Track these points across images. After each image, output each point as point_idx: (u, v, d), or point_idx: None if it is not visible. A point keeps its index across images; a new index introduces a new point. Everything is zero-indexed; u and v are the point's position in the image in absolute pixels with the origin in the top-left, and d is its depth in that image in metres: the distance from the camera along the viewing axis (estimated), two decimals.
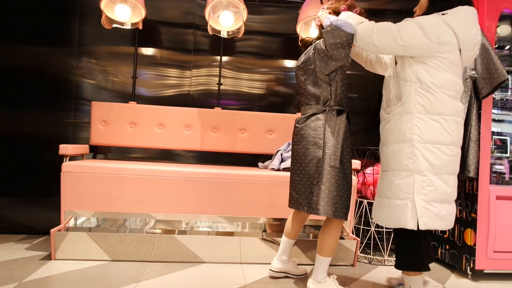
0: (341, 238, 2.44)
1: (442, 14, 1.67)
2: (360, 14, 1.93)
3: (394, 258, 2.53)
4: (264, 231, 2.48)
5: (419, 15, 1.78)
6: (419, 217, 1.63)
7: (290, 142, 2.67)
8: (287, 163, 2.55)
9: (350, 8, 1.92)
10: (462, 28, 1.63)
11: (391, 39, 1.67)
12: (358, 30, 1.76)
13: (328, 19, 1.84)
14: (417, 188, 1.65)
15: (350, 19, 1.81)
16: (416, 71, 1.68)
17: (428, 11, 1.75)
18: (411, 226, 1.64)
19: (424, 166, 1.64)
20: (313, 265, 2.34)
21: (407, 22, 1.69)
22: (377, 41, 1.70)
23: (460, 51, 1.67)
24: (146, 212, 2.33)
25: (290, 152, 2.53)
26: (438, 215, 1.65)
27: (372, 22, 1.76)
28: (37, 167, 2.81)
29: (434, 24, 1.63)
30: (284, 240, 2.08)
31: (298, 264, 2.20)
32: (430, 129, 1.65)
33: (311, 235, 2.51)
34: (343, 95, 1.89)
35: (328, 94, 1.86)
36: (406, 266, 1.77)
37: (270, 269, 2.11)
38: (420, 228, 1.64)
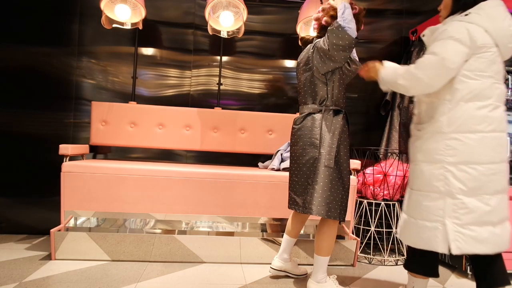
0: (341, 238, 2.44)
1: (465, 15, 1.55)
2: (359, 13, 1.92)
3: (394, 258, 2.53)
4: (264, 231, 2.48)
5: (445, 15, 1.66)
6: (451, 241, 1.49)
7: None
8: (287, 163, 2.55)
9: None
10: (491, 23, 1.51)
11: (438, 70, 1.51)
12: (398, 77, 1.63)
13: (344, 6, 1.78)
14: (448, 211, 1.51)
15: (347, 13, 1.77)
16: (450, 86, 1.54)
17: (453, 10, 1.62)
18: (442, 250, 1.51)
19: (457, 189, 1.50)
20: (312, 265, 2.34)
21: (440, 46, 1.53)
22: (427, 79, 1.54)
23: (497, 46, 1.52)
24: (146, 212, 2.33)
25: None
26: (477, 238, 1.48)
27: (404, 68, 1.65)
28: (37, 167, 2.82)
29: (461, 32, 1.50)
30: (285, 238, 2.07)
31: (299, 264, 2.20)
32: (464, 149, 1.50)
33: (311, 235, 2.51)
34: (340, 95, 1.88)
35: (324, 94, 1.86)
36: (415, 269, 1.69)
37: (270, 267, 2.10)
38: (454, 253, 1.49)
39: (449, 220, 1.51)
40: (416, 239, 1.60)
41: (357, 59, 1.98)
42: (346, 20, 1.77)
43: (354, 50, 1.98)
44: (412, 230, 1.62)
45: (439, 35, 1.56)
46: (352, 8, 1.87)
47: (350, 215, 2.46)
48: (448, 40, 1.51)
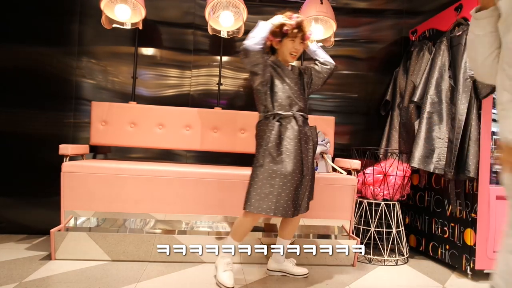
0: (342, 238, 2.44)
1: None
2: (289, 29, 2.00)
3: (394, 258, 2.53)
4: (264, 231, 2.47)
5: None
6: None
7: None
8: None
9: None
10: None
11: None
12: None
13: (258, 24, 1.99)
14: None
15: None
16: None
17: None
18: None
19: None
20: (312, 265, 2.34)
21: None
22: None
23: None
24: (146, 212, 2.33)
25: None
26: None
27: None
28: (37, 167, 2.81)
29: None
30: (278, 239, 2.15)
31: (297, 265, 2.20)
32: None
33: (311, 235, 2.51)
34: (269, 103, 2.01)
35: (260, 104, 2.05)
36: None
37: (267, 269, 2.15)
38: None
39: None
40: None
41: (327, 60, 2.16)
42: (250, 35, 1.93)
43: (323, 52, 2.18)
44: None
45: None
46: (284, 27, 1.99)
47: (350, 215, 2.46)
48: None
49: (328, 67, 2.15)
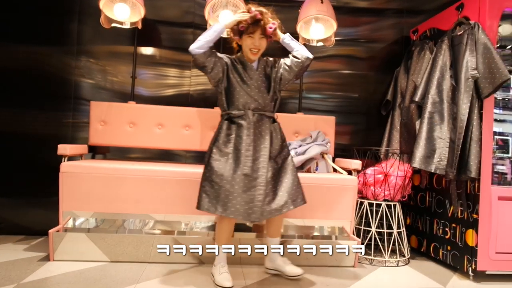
0: (342, 239, 2.43)
1: None
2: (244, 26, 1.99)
3: (395, 259, 2.52)
4: (264, 231, 2.45)
5: None
6: None
7: (291, 142, 2.65)
8: None
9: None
10: None
11: None
12: None
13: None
14: None
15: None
16: None
17: None
18: None
19: None
20: (312, 266, 2.33)
21: None
22: None
23: None
24: (145, 213, 2.32)
25: (291, 152, 2.52)
26: None
27: None
28: (36, 167, 2.80)
29: None
30: (266, 239, 2.18)
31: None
32: None
33: (311, 235, 2.49)
34: (223, 103, 2.07)
35: (219, 103, 2.12)
36: None
37: (265, 267, 2.20)
38: None
39: None
40: None
41: (299, 53, 2.09)
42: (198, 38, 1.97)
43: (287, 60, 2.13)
44: None
45: None
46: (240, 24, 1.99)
47: (350, 216, 2.45)
48: None
49: (299, 60, 2.07)
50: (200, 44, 1.94)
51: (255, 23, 1.97)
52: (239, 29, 1.99)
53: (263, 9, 2.01)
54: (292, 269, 2.11)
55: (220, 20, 2.70)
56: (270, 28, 2.00)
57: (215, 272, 1.99)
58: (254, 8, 1.98)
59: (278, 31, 2.09)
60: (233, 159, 1.94)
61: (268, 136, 2.01)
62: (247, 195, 1.90)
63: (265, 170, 1.93)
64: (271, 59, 2.16)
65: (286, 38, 2.12)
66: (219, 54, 2.04)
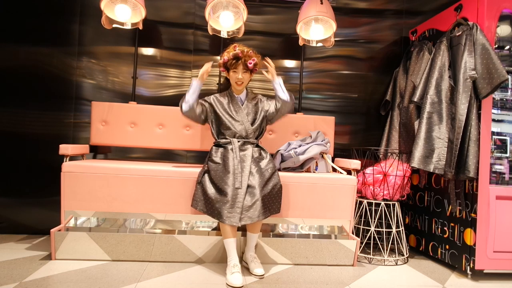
0: (341, 238, 2.44)
1: None
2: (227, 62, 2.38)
3: (394, 258, 2.53)
4: (264, 231, 2.47)
5: None
6: None
7: (290, 142, 2.67)
8: (287, 163, 2.55)
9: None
10: None
11: None
12: None
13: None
14: None
15: None
16: None
17: None
18: None
19: None
20: (311, 265, 2.34)
21: None
22: None
23: None
24: (146, 212, 2.33)
25: (290, 152, 2.54)
26: None
27: None
28: (38, 167, 2.82)
29: None
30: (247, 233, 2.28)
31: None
32: None
33: (311, 235, 2.51)
34: (213, 133, 2.45)
35: (210, 131, 2.49)
36: None
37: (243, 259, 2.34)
38: None
39: None
40: None
41: (283, 102, 2.38)
42: (186, 98, 2.32)
43: (270, 103, 2.47)
44: None
45: None
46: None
47: (350, 215, 2.46)
48: None
49: (279, 104, 2.39)
50: (189, 105, 2.29)
51: (237, 60, 2.33)
52: (225, 65, 2.39)
53: (245, 48, 2.35)
54: (256, 268, 2.14)
55: (221, 23, 2.72)
56: (250, 63, 2.35)
57: (227, 271, 2.05)
58: (238, 47, 2.34)
59: (275, 75, 2.40)
60: (221, 174, 2.17)
61: (254, 157, 2.27)
62: (231, 203, 2.08)
63: (245, 183, 2.13)
64: (261, 96, 2.52)
65: (276, 83, 2.40)
66: (201, 101, 2.40)
